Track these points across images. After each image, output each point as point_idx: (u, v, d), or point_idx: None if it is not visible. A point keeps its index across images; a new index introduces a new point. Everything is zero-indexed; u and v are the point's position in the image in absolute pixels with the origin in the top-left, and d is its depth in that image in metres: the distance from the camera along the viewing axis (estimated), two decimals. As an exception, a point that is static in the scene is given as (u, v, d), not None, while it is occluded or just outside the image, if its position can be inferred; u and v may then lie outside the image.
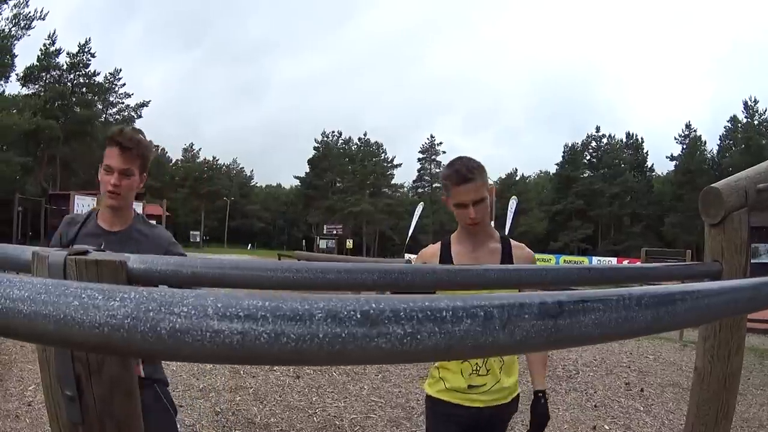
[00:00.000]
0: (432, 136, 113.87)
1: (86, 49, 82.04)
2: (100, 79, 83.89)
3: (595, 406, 8.23)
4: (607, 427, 7.27)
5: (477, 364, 3.40)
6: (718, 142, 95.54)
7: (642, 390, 9.18)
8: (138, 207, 36.17)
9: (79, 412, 1.79)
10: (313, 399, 7.50)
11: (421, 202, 68.95)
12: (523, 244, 3.60)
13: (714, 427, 3.69)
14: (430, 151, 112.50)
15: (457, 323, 0.82)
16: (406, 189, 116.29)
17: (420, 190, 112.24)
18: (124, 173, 3.36)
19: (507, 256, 3.46)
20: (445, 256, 3.54)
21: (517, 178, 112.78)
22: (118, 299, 0.77)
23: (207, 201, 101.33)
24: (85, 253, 1.43)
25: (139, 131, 3.49)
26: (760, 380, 10.03)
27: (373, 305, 0.78)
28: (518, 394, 3.67)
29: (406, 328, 0.79)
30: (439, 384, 3.56)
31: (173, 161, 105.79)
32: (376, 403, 7.55)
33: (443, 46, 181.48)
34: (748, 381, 9.79)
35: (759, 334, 14.86)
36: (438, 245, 3.66)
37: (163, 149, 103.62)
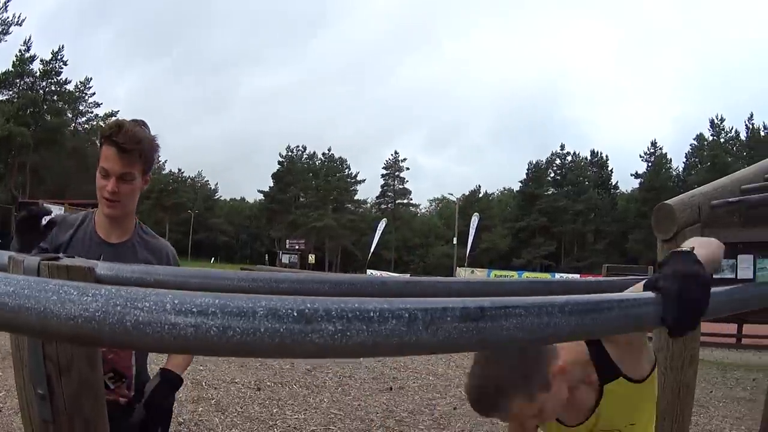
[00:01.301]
0: (396, 153, 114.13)
1: (59, 57, 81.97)
2: (71, 87, 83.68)
3: (556, 418, 8.29)
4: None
5: None
6: (684, 159, 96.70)
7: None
8: None
9: (50, 411, 1.89)
10: (274, 411, 7.54)
11: (384, 218, 69.24)
12: None
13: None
14: (393, 167, 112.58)
15: (383, 323, 0.94)
16: (369, 205, 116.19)
17: (383, 206, 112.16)
18: (123, 178, 2.90)
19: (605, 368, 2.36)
20: None
21: (480, 195, 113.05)
22: (90, 295, 0.88)
23: (172, 213, 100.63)
24: (57, 258, 1.54)
25: (141, 124, 3.02)
26: (723, 393, 10.24)
27: (308, 305, 0.91)
28: None
29: (337, 325, 0.91)
30: None
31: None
32: (335, 415, 7.61)
33: (408, 63, 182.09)
34: (711, 394, 9.99)
35: (723, 348, 15.10)
36: None
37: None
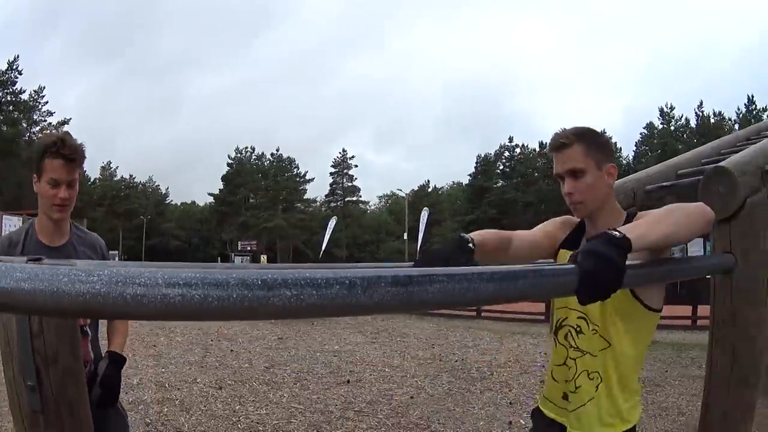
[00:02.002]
0: (344, 150, 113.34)
1: (14, 67, 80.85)
2: (25, 96, 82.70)
3: (510, 403, 8.55)
4: (522, 422, 7.54)
5: (574, 373, 2.74)
6: (634, 148, 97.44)
7: (557, 386, 9.54)
8: None
9: (39, 401, 2.09)
10: (236, 408, 7.70)
11: (334, 216, 68.94)
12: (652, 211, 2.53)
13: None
14: (342, 165, 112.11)
15: (329, 288, 1.20)
16: (318, 203, 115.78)
17: (332, 204, 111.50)
18: (70, 185, 3.25)
19: None
20: (573, 240, 2.87)
21: (430, 190, 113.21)
22: (96, 275, 1.09)
23: (124, 220, 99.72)
24: (40, 260, 1.74)
25: (68, 134, 3.40)
26: (678, 372, 10.53)
27: (270, 275, 1.16)
28: None
29: (293, 291, 1.16)
30: (542, 391, 3.05)
31: (91, 180, 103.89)
32: (296, 409, 7.78)
33: (353, 60, 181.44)
34: (666, 373, 10.30)
35: (679, 330, 15.50)
36: (575, 222, 2.92)
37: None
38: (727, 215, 3.12)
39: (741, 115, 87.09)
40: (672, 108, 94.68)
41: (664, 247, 2.40)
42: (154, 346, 12.35)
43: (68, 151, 3.20)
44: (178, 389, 8.51)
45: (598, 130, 2.77)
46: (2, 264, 1.12)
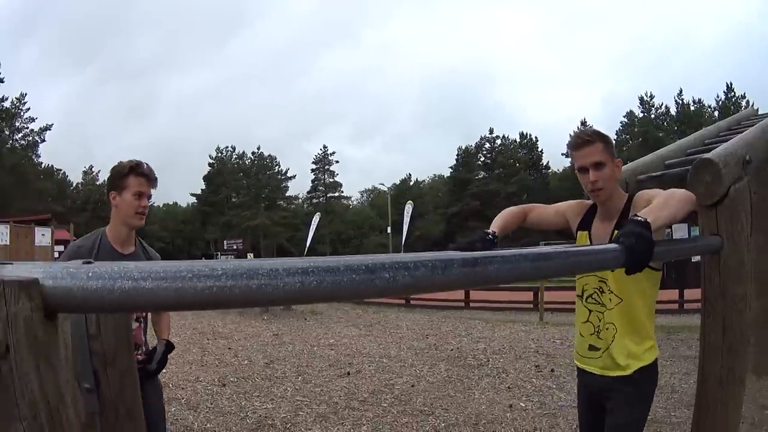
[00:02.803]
0: (325, 147, 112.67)
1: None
2: (7, 104, 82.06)
3: (509, 387, 8.75)
4: (522, 405, 7.77)
5: (597, 326, 3.49)
6: (615, 136, 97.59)
7: (553, 370, 9.78)
8: (47, 232, 34.55)
9: (96, 402, 2.22)
10: (242, 403, 7.83)
11: (318, 213, 68.87)
12: (644, 192, 3.47)
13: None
14: (323, 161, 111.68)
15: (417, 269, 1.42)
16: (300, 200, 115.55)
17: (315, 201, 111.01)
18: (149, 197, 4.07)
19: (623, 220, 3.32)
20: (586, 221, 3.60)
21: (412, 183, 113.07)
22: (220, 269, 1.28)
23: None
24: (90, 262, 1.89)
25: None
26: (669, 353, 10.73)
27: (370, 261, 1.35)
28: (641, 375, 3.47)
29: (390, 273, 1.37)
30: (575, 349, 3.76)
31: (74, 185, 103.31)
32: (302, 402, 7.94)
33: (329, 55, 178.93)
34: (658, 354, 10.53)
35: (668, 314, 15.76)
36: (587, 205, 3.68)
37: (64, 173, 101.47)
38: (713, 201, 3.38)
39: (720, 103, 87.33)
40: (652, 96, 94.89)
41: (665, 228, 3.06)
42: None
43: (148, 171, 4.05)
44: (182, 388, 8.64)
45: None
46: (117, 264, 1.28)
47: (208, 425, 6.97)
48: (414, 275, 1.49)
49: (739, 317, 3.38)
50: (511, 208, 3.90)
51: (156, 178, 4.11)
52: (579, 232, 3.61)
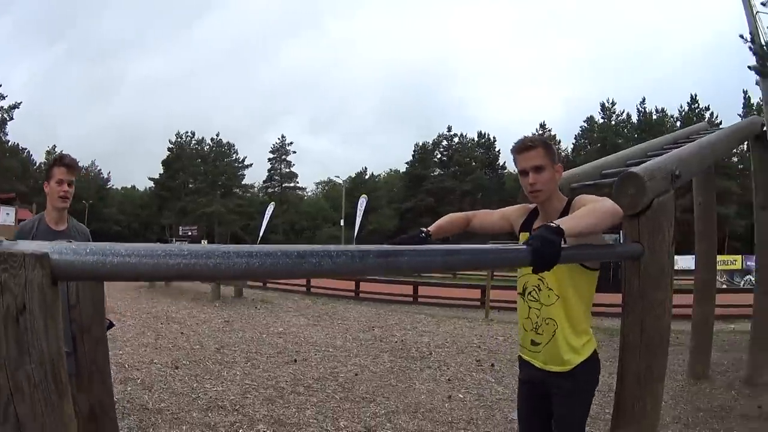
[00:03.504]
0: (283, 136, 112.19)
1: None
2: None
3: (449, 379, 9.07)
4: (461, 396, 8.10)
5: (536, 322, 3.68)
6: (574, 141, 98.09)
7: (493, 365, 10.12)
8: (11, 212, 34.74)
9: (74, 365, 2.55)
10: (194, 385, 8.08)
11: (272, 202, 68.76)
12: (583, 195, 3.65)
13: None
14: (280, 150, 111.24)
15: (339, 257, 1.81)
16: (256, 189, 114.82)
17: (270, 190, 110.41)
18: (71, 184, 4.95)
19: None
20: (528, 223, 3.81)
21: (367, 177, 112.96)
22: (186, 250, 1.65)
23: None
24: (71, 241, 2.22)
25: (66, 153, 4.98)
26: (610, 354, 10.96)
27: (301, 250, 1.73)
28: (581, 370, 3.67)
29: (316, 259, 1.75)
30: (519, 342, 3.94)
31: (37, 164, 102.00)
32: (250, 385, 8.21)
33: (293, 45, 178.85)
34: (599, 355, 10.85)
35: (610, 317, 16.19)
36: (529, 208, 3.88)
37: (29, 152, 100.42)
38: (636, 212, 3.76)
39: (684, 114, 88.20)
40: (613, 103, 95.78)
41: (587, 235, 3.22)
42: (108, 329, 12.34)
43: (70, 161, 5.03)
44: (138, 369, 8.82)
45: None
46: (108, 244, 1.65)
47: (162, 405, 7.16)
48: (336, 262, 1.90)
49: (657, 321, 3.74)
50: (456, 213, 4.21)
51: (77, 167, 5.14)
52: (521, 233, 3.83)
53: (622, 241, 4.10)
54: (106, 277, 1.64)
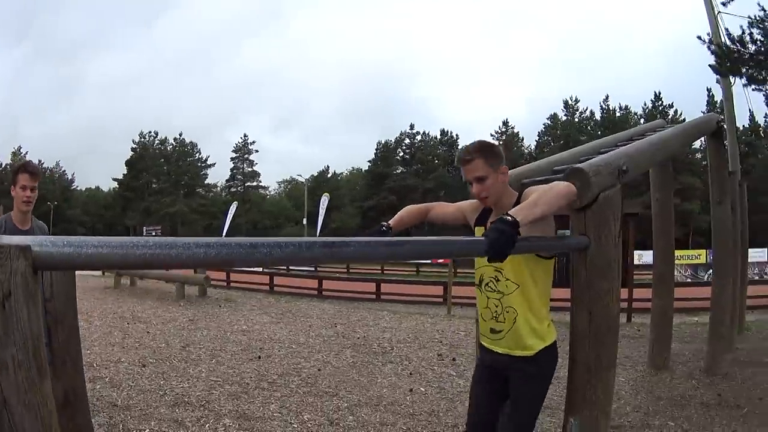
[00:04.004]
0: (245, 136, 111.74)
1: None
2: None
3: (410, 373, 9.26)
4: (422, 389, 8.28)
5: (495, 311, 3.79)
6: (537, 138, 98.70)
7: (454, 359, 10.31)
8: None
9: (49, 353, 2.72)
10: (161, 383, 8.19)
11: (235, 202, 68.69)
12: (531, 188, 3.75)
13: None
14: (243, 150, 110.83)
15: (287, 247, 2.02)
16: (219, 189, 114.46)
17: (233, 190, 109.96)
18: (33, 189, 5.43)
19: None
20: (483, 218, 3.92)
21: (329, 176, 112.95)
22: (152, 242, 1.84)
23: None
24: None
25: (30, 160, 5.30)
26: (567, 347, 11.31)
27: (255, 241, 1.94)
28: (543, 355, 3.84)
29: (268, 249, 1.97)
30: (480, 331, 4.07)
31: (2, 165, 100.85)
32: (215, 382, 8.35)
33: (254, 44, 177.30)
34: (559, 348, 11.04)
35: (567, 311, 16.37)
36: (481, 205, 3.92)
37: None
38: (582, 206, 3.94)
39: (647, 111, 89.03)
40: (577, 100, 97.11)
41: (542, 219, 3.43)
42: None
43: (33, 168, 5.55)
44: (106, 368, 8.92)
45: (491, 141, 3.92)
46: (83, 237, 1.85)
47: (131, 402, 7.27)
48: (285, 251, 2.13)
49: (604, 310, 3.92)
50: (414, 205, 4.36)
51: (39, 174, 5.63)
52: (476, 228, 3.97)
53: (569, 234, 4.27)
54: (82, 266, 1.84)
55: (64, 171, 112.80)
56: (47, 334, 2.72)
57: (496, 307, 3.79)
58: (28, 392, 1.72)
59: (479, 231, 3.90)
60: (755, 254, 41.73)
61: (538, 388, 3.88)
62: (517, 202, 3.60)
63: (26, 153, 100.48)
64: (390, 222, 4.10)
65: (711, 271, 12.32)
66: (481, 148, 3.69)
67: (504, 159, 3.73)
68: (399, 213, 4.25)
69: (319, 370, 9.37)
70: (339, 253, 2.39)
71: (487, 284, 3.83)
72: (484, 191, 3.66)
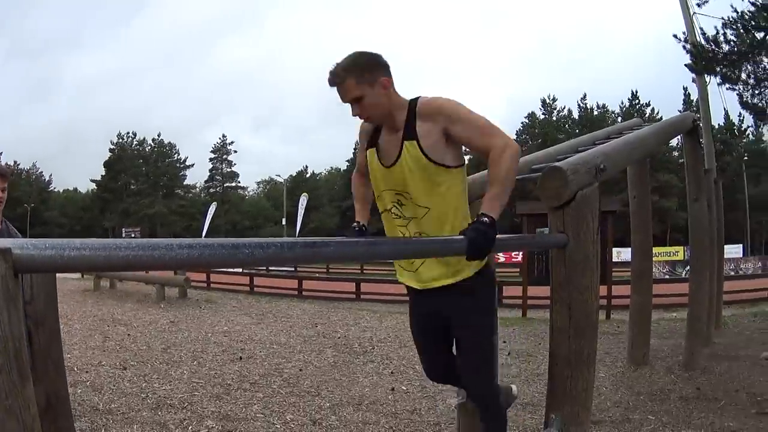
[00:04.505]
0: (224, 136, 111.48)
1: None
2: None
3: (392, 372, 9.28)
4: (404, 388, 8.29)
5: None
6: (516, 137, 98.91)
7: (437, 358, 10.26)
8: None
9: (29, 357, 2.71)
10: (143, 385, 8.15)
11: (214, 203, 68.60)
12: (433, 102, 3.45)
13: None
14: (221, 150, 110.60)
15: (269, 248, 2.02)
16: (198, 189, 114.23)
17: (212, 190, 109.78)
18: (4, 190, 5.33)
19: (409, 129, 3.40)
20: (374, 136, 3.61)
21: (308, 176, 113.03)
22: (134, 244, 1.85)
23: (8, 209, 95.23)
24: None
25: None
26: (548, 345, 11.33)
27: (236, 242, 1.95)
28: (479, 282, 3.55)
29: (250, 249, 1.96)
30: (399, 275, 3.78)
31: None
32: (197, 383, 8.33)
33: (232, 42, 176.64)
34: (540, 345, 11.07)
35: (546, 309, 16.47)
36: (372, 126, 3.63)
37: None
38: (560, 204, 3.97)
39: (624, 109, 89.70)
40: (554, 99, 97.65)
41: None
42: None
43: (5, 170, 5.52)
44: (87, 372, 8.86)
45: (365, 50, 3.47)
46: (65, 240, 1.84)
47: (112, 405, 7.21)
48: (267, 252, 2.12)
49: (583, 305, 3.94)
50: (354, 182, 3.97)
51: (8, 175, 5.60)
52: (368, 150, 3.62)
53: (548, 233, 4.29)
54: (64, 269, 1.82)
55: (41, 172, 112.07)
56: (28, 337, 2.71)
57: (407, 233, 3.49)
58: (9, 397, 1.70)
59: (371, 153, 3.59)
60: (731, 250, 42.32)
61: (482, 323, 3.65)
62: (410, 115, 3.40)
63: (0, 153, 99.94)
64: (358, 219, 3.72)
65: (689, 267, 12.47)
66: (348, 66, 3.33)
67: (383, 67, 3.44)
68: (356, 204, 3.89)
69: (300, 370, 9.37)
70: (320, 253, 2.40)
71: (391, 210, 3.53)
72: (365, 112, 3.38)
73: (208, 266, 2.12)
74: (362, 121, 3.58)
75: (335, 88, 3.35)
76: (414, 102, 3.46)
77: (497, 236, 3.07)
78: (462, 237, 2.99)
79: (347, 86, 3.30)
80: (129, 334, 12.63)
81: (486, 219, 3.01)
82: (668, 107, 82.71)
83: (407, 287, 3.76)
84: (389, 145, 3.47)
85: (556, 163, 4.17)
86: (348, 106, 3.33)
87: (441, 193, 3.39)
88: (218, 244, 2.06)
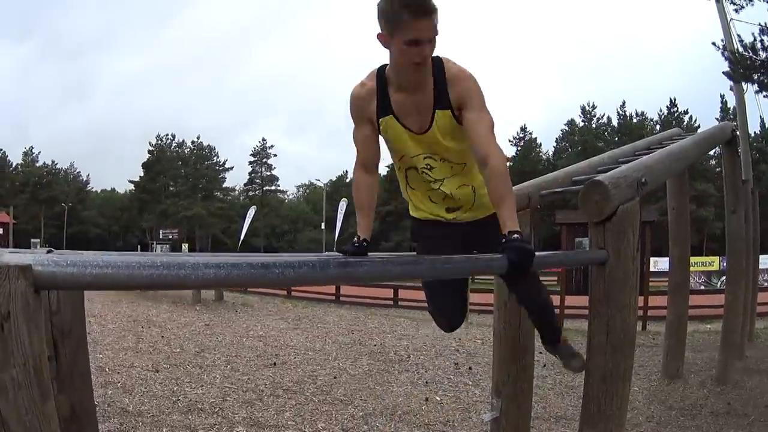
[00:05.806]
0: (264, 139, 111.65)
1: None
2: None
3: (426, 382, 9.13)
4: (438, 398, 8.17)
5: (447, 193, 3.47)
6: (555, 144, 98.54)
7: (470, 368, 10.14)
8: None
9: (55, 368, 2.68)
10: (174, 389, 8.10)
11: (253, 206, 68.71)
12: (463, 74, 3.22)
13: (516, 378, 4.77)
14: (261, 154, 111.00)
15: (301, 267, 1.95)
16: (237, 192, 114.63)
17: (251, 194, 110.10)
18: None
19: (442, 95, 3.19)
20: (383, 101, 3.26)
21: (348, 180, 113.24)
22: (159, 262, 1.78)
23: (46, 207, 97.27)
24: (51, 251, 2.38)
25: None
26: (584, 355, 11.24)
27: (266, 260, 1.87)
28: None
29: (281, 269, 1.89)
30: (419, 214, 3.72)
31: (14, 165, 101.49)
32: (230, 388, 8.26)
33: (268, 45, 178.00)
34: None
35: (586, 318, 16.28)
36: (372, 85, 3.30)
37: (4, 153, 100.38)
38: (601, 219, 3.88)
39: (663, 117, 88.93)
40: (594, 107, 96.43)
41: None
42: (89, 333, 12.17)
43: None
44: (118, 373, 8.79)
45: None
46: (88, 255, 1.79)
47: (142, 408, 7.17)
48: (298, 272, 2.04)
49: (622, 323, 3.87)
50: (359, 185, 3.45)
51: None
52: (381, 120, 3.29)
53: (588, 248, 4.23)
54: (86, 286, 1.79)
55: (79, 172, 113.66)
56: (53, 347, 2.66)
57: (447, 189, 3.45)
58: (29, 413, 1.67)
59: (389, 122, 3.28)
60: (765, 261, 41.70)
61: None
62: (438, 78, 3.19)
63: (38, 153, 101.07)
64: (360, 233, 3.13)
65: (724, 278, 12.33)
66: (434, 2, 2.97)
67: None
68: (357, 209, 3.35)
69: (334, 377, 9.29)
70: (353, 273, 2.35)
71: (423, 171, 3.41)
72: (429, 56, 3.09)
73: (237, 286, 2.07)
74: (352, 90, 3.39)
75: (421, 19, 2.92)
76: (438, 62, 3.21)
77: (536, 253, 3.03)
78: (501, 256, 2.92)
79: (435, 21, 2.98)
80: (163, 336, 12.61)
81: (517, 236, 2.94)
82: (706, 114, 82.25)
83: (417, 220, 3.76)
84: (414, 109, 3.23)
85: (598, 177, 4.10)
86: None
87: (466, 149, 3.30)
88: (247, 264, 1.98)
